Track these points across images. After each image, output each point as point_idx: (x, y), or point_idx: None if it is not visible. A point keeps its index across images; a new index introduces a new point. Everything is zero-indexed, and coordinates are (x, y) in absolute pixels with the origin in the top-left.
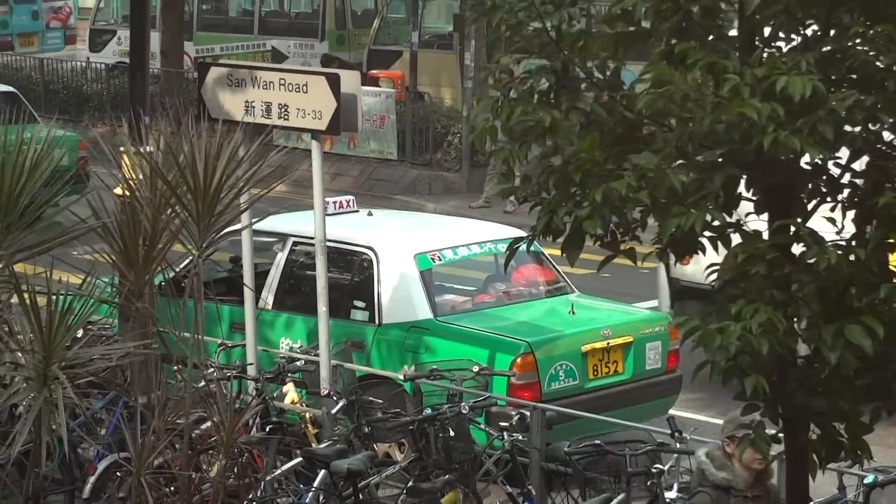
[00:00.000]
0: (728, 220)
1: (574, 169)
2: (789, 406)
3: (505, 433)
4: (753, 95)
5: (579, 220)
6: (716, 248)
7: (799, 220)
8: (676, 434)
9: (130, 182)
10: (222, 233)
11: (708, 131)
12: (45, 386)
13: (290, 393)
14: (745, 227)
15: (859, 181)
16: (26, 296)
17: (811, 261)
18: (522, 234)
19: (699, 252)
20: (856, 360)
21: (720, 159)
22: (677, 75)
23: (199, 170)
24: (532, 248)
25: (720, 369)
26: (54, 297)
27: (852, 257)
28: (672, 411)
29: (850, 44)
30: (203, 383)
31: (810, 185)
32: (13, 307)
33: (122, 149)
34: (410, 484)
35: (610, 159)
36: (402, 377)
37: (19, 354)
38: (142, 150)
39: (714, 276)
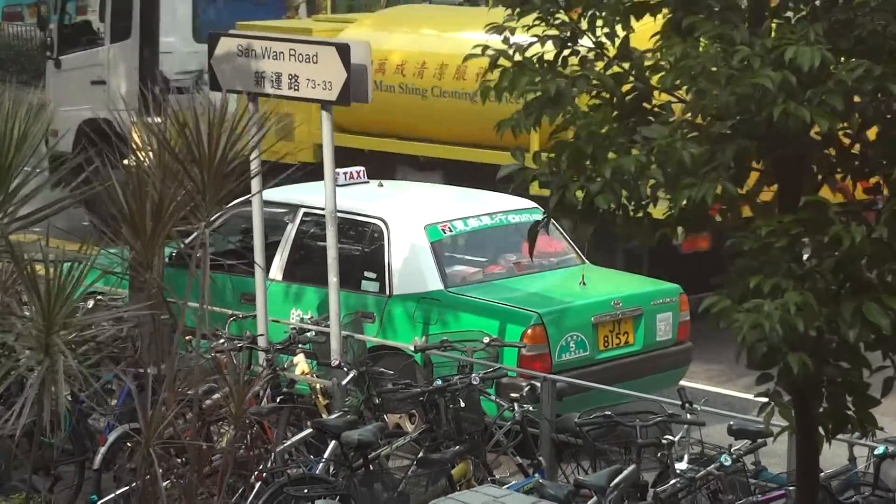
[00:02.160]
0: (739, 192)
1: (585, 142)
2: (801, 377)
3: (515, 404)
4: (764, 66)
5: (591, 195)
6: (726, 221)
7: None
8: (687, 405)
9: (139, 153)
10: (231, 204)
11: (721, 104)
12: (46, 355)
13: (301, 364)
14: (757, 200)
15: (870, 152)
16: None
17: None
18: (533, 205)
19: (709, 227)
20: (872, 338)
21: (730, 131)
22: (694, 51)
23: (203, 139)
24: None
25: (760, 351)
26: (52, 265)
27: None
28: (682, 382)
29: (858, 13)
30: (213, 354)
31: (820, 156)
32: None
33: (131, 120)
34: (421, 455)
35: (620, 132)
36: (412, 348)
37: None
38: (149, 122)
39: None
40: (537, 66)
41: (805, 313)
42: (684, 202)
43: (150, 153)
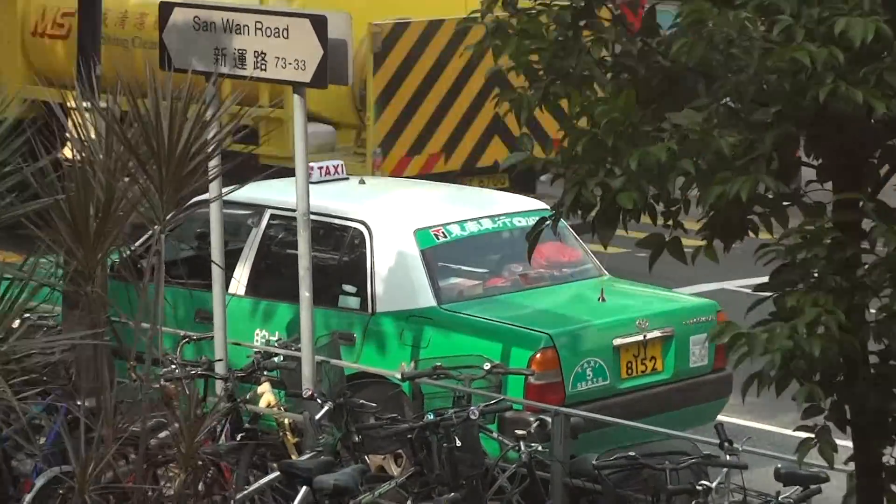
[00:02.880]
0: (784, 189)
1: (605, 131)
2: (861, 411)
3: (521, 443)
4: (810, 40)
5: (613, 193)
6: (768, 227)
7: (870, 189)
8: (726, 444)
9: (82, 143)
10: (189, 203)
11: (757, 83)
12: None
13: (266, 395)
14: (805, 199)
15: None
16: None
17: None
18: (543, 206)
19: (750, 233)
20: None
21: (773, 117)
22: (717, 14)
23: (163, 129)
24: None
25: (769, 381)
26: None
27: None
28: (721, 417)
29: None
30: (162, 383)
31: (884, 147)
32: None
33: (70, 104)
34: (409, 503)
35: (646, 119)
36: (399, 376)
37: None
38: (95, 105)
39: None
40: (547, 33)
41: (826, 333)
42: (714, 199)
43: (96, 142)
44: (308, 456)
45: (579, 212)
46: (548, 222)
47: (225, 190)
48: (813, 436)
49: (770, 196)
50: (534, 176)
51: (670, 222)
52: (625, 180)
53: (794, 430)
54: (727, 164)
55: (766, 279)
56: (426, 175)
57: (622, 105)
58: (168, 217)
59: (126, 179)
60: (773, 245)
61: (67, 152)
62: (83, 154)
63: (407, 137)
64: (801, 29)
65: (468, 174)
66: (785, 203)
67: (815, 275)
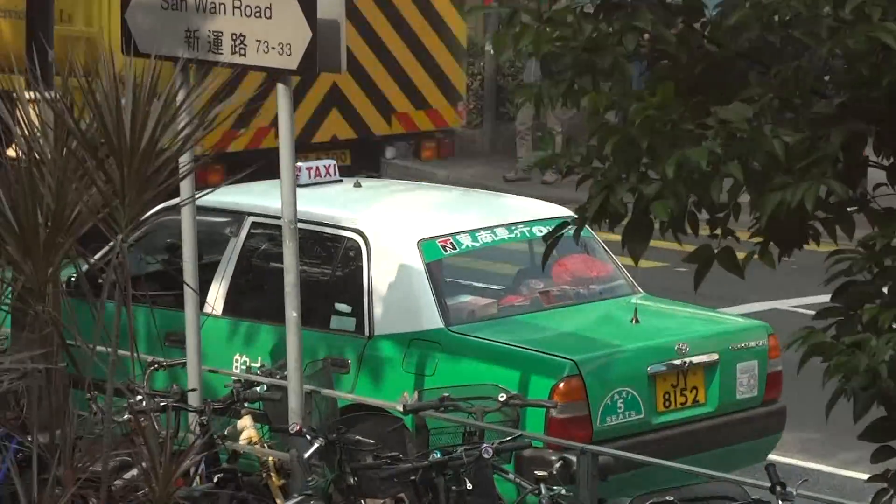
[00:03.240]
0: (851, 193)
1: (640, 131)
2: None
3: (542, 486)
4: (886, 18)
5: (646, 201)
6: (833, 235)
7: None
8: (778, 488)
9: (27, 139)
10: (155, 209)
11: (820, 69)
12: None
13: (247, 430)
14: (873, 205)
15: None
16: None
17: None
18: (570, 213)
19: (811, 241)
20: None
21: (838, 111)
22: None
23: (124, 122)
24: (582, 233)
25: (861, 400)
26: None
27: None
28: (772, 457)
29: None
30: (127, 416)
31: None
32: None
33: (14, 93)
34: None
35: (687, 116)
36: (400, 408)
37: None
38: (45, 95)
39: (838, 266)
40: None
41: None
42: (773, 209)
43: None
44: (295, 500)
45: (605, 222)
46: (570, 227)
47: (198, 194)
48: (887, 485)
49: (832, 200)
50: (379, 152)
51: (717, 231)
52: (660, 187)
53: (867, 482)
54: (781, 167)
55: (825, 298)
56: (254, 151)
57: (659, 101)
58: (130, 225)
59: (81, 181)
60: (848, 253)
61: (11, 151)
62: (29, 152)
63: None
64: (876, 7)
65: (302, 150)
66: (850, 209)
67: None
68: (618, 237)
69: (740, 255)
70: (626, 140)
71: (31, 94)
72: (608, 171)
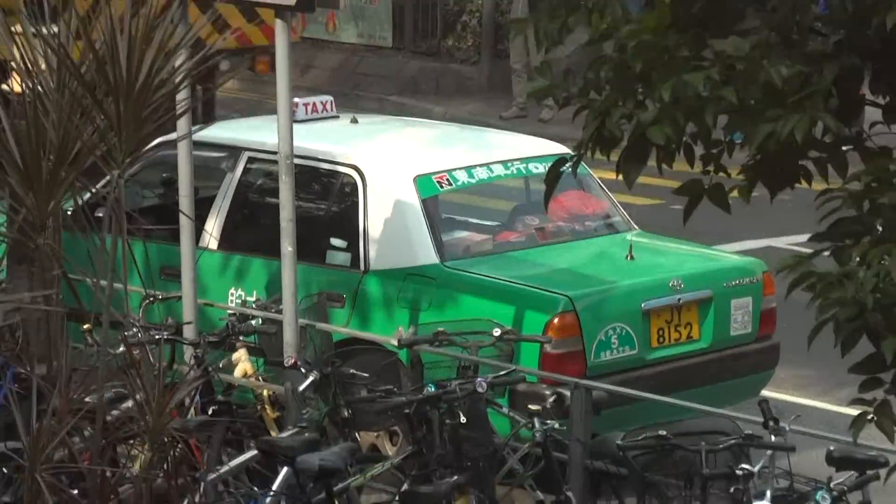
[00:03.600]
0: (847, 132)
1: (634, 55)
2: None
3: (536, 420)
4: None
5: (642, 126)
6: (824, 175)
7: None
8: (771, 423)
9: (31, 75)
10: (152, 144)
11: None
12: None
13: (242, 363)
14: (868, 143)
15: None
16: None
17: None
18: (566, 150)
19: (801, 180)
20: None
21: (834, 48)
22: None
23: (121, 59)
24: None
25: (845, 331)
26: None
27: None
28: (766, 392)
29: None
30: (122, 348)
31: None
32: None
33: (14, 28)
34: (405, 487)
35: (684, 45)
36: (395, 342)
37: None
38: (44, 31)
39: (830, 205)
40: None
41: None
42: (763, 140)
43: (48, 74)
44: (290, 433)
45: (600, 149)
46: (568, 164)
47: (194, 129)
48: (870, 409)
49: (827, 140)
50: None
51: (710, 167)
52: (657, 113)
53: (850, 404)
54: (778, 100)
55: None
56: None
57: (653, 25)
58: (128, 160)
59: (80, 118)
60: (837, 191)
61: (15, 85)
62: (34, 88)
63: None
64: None
65: None
66: (844, 148)
67: (880, 227)
68: (613, 174)
69: (736, 195)
70: (620, 67)
71: (35, 31)
72: (605, 99)
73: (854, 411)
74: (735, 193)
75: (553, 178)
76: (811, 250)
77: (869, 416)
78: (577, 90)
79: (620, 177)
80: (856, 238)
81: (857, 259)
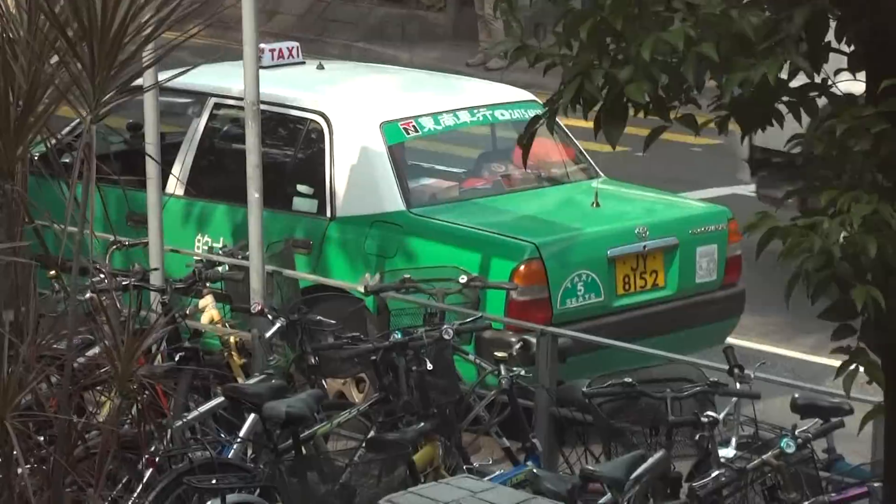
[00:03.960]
0: (816, 74)
1: (612, 13)
2: (892, 329)
3: (502, 367)
4: None
5: (620, 84)
6: (797, 116)
7: None
8: (736, 371)
9: (2, 19)
10: (123, 90)
11: None
12: None
13: (209, 309)
14: (834, 90)
15: None
16: None
17: None
18: (531, 97)
19: (773, 122)
20: None
21: None
22: None
23: (96, 2)
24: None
25: (815, 280)
26: None
27: None
28: (731, 340)
29: None
30: (89, 295)
31: None
32: None
33: None
34: (372, 434)
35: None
36: (361, 289)
37: None
38: None
39: (797, 149)
40: None
41: (880, 232)
42: (736, 87)
43: (17, 18)
44: (257, 379)
45: (579, 107)
46: (542, 121)
47: (163, 76)
48: (848, 358)
49: (796, 86)
50: None
51: (679, 101)
52: (633, 70)
53: (832, 352)
54: (750, 49)
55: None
56: None
57: None
58: (99, 105)
59: (52, 62)
60: (808, 135)
61: None
62: (3, 34)
63: None
64: None
65: None
66: (812, 94)
67: (853, 172)
68: (581, 122)
69: (703, 142)
70: (599, 26)
71: None
72: (580, 57)
73: (819, 358)
74: (713, 125)
75: (529, 137)
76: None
77: (853, 364)
78: (547, 46)
79: (598, 135)
80: (823, 181)
81: (824, 203)
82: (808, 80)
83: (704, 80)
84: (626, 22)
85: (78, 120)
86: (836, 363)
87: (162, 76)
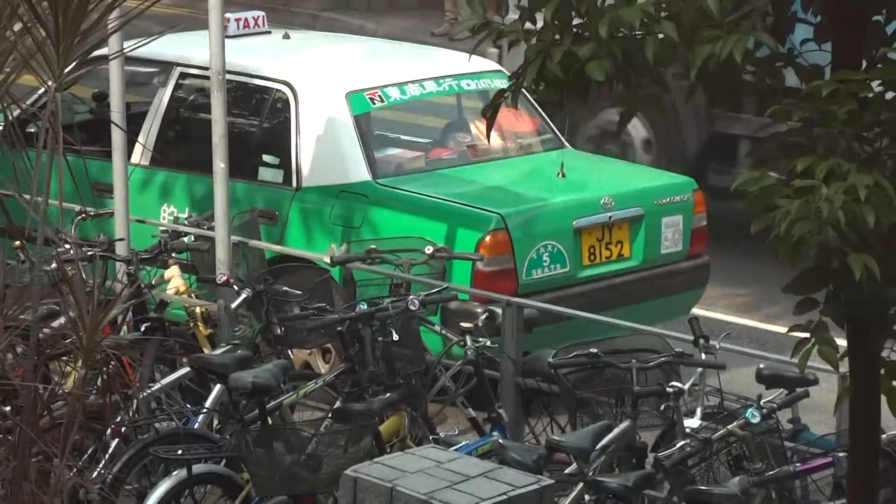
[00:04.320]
0: (781, 49)
1: None
2: (857, 301)
3: (467, 337)
4: None
5: (580, 62)
6: (763, 86)
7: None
8: (701, 341)
9: None
10: (88, 58)
11: None
12: None
13: (175, 279)
14: (800, 60)
15: None
16: None
17: None
18: (496, 67)
19: (738, 93)
20: None
21: None
22: None
23: None
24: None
25: (810, 246)
26: None
27: None
28: (696, 310)
29: None
30: (55, 265)
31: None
32: None
33: None
34: (338, 405)
35: None
36: (327, 260)
37: None
38: None
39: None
40: None
41: (878, 202)
42: (702, 62)
43: None
44: (222, 350)
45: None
46: (507, 94)
47: (128, 44)
48: (809, 336)
49: (762, 57)
50: None
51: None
52: (594, 47)
53: (788, 331)
54: (714, 21)
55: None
56: None
57: None
58: (65, 73)
59: (16, 29)
60: (783, 106)
61: None
62: None
63: None
64: None
65: None
66: (778, 64)
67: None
68: None
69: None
70: (563, 3)
71: None
72: (542, 35)
73: (784, 329)
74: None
75: (493, 111)
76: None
77: (811, 342)
78: (510, 23)
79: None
80: (794, 150)
81: (800, 169)
82: None
83: (669, 58)
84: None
85: (43, 89)
86: (803, 334)
87: (127, 45)
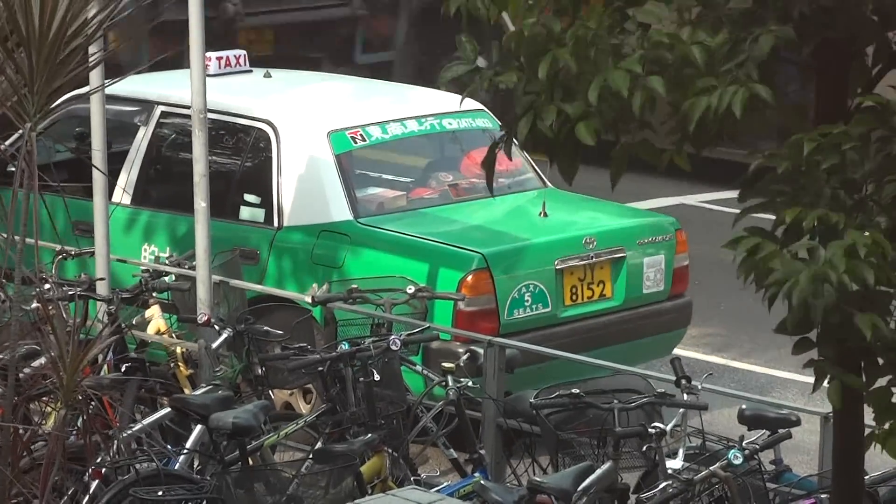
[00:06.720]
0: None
1: (573, 54)
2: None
3: (449, 378)
4: None
5: (572, 122)
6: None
7: (859, 89)
8: (683, 382)
9: None
10: (64, 98)
11: None
12: None
13: (155, 319)
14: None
15: None
16: None
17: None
18: (478, 106)
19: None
20: None
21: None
22: None
23: (33, 8)
24: (492, 126)
25: (819, 312)
26: None
27: None
28: (678, 351)
29: None
30: (35, 304)
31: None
32: None
33: None
34: (319, 445)
35: (609, 28)
36: (309, 300)
37: None
38: None
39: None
40: None
41: (878, 261)
42: (701, 113)
43: None
44: (203, 390)
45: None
46: (501, 145)
47: (107, 82)
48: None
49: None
50: None
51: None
52: (584, 107)
53: (805, 367)
54: (701, 72)
55: (733, 193)
56: None
57: (596, 20)
58: (40, 113)
59: None
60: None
61: None
62: None
63: None
64: None
65: None
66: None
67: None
68: None
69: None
70: (560, 66)
71: None
72: (530, 87)
73: (766, 369)
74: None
75: (491, 161)
76: (720, 208)
77: (827, 377)
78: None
79: (553, 169)
80: (781, 197)
81: (789, 220)
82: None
83: (654, 108)
84: (584, 63)
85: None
86: (784, 375)
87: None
